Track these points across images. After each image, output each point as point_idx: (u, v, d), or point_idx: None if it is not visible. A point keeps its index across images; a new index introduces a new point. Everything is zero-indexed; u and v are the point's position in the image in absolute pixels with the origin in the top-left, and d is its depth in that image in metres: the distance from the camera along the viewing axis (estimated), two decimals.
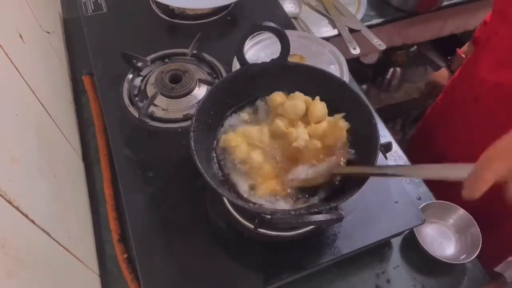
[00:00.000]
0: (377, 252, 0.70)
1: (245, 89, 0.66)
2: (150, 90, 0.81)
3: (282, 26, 0.89)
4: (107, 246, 0.72)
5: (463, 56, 1.10)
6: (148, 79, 0.83)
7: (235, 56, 0.65)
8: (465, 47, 1.11)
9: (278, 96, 0.64)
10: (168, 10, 0.98)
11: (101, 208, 0.76)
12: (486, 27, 0.95)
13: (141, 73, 0.84)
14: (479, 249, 0.68)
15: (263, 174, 0.59)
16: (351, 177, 0.57)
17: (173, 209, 0.66)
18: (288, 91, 0.66)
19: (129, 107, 0.78)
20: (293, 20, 1.04)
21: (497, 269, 0.66)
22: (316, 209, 0.53)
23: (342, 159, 0.59)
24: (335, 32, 1.13)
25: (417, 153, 1.16)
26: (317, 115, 0.62)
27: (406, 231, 0.70)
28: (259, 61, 0.64)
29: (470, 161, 0.40)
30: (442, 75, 1.18)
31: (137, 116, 0.76)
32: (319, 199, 0.58)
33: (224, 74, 0.84)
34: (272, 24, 0.59)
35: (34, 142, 0.58)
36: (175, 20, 0.97)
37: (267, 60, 0.64)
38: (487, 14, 0.98)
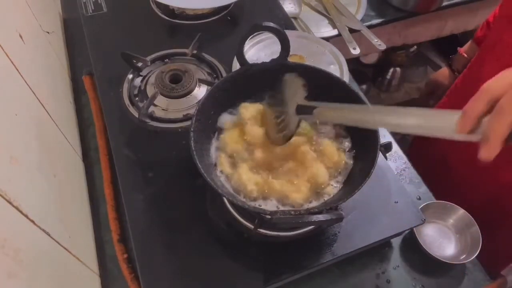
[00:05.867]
0: (377, 252, 0.70)
1: (245, 89, 0.66)
2: (150, 90, 0.81)
3: (282, 26, 0.89)
4: (107, 246, 0.72)
5: (465, 55, 1.09)
6: (148, 79, 0.83)
7: (235, 56, 0.65)
8: (466, 46, 1.10)
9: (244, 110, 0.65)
10: (168, 10, 0.98)
11: (101, 208, 0.76)
12: (490, 31, 0.93)
13: (141, 73, 0.84)
14: (479, 249, 0.68)
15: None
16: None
17: (173, 209, 0.66)
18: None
19: (129, 107, 0.78)
20: (293, 20, 1.04)
21: (503, 272, 0.66)
22: (316, 209, 0.53)
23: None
24: (335, 32, 1.13)
25: (419, 157, 1.14)
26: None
27: (406, 231, 0.70)
28: (259, 61, 0.64)
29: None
30: (443, 74, 1.17)
31: (137, 116, 0.76)
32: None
33: (224, 74, 0.84)
34: (272, 24, 0.59)
35: (34, 142, 0.58)
36: (175, 20, 0.97)
37: (267, 60, 0.64)
38: (487, 14, 0.98)
